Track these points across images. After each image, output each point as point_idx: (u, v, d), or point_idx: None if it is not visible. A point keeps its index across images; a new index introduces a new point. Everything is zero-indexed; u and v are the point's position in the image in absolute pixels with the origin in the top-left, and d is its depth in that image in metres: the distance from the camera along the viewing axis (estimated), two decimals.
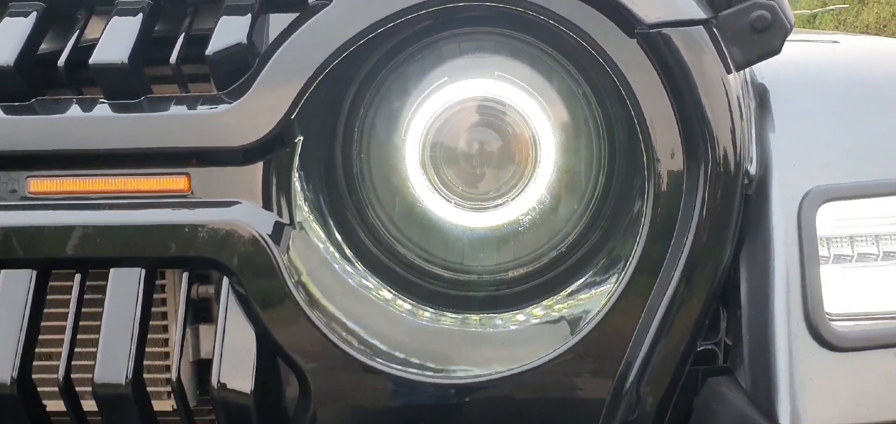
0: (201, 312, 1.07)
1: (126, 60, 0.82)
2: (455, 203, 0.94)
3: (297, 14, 0.84)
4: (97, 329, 0.85)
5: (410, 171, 0.93)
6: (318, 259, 0.91)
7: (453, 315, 0.97)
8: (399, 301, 0.96)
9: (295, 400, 0.90)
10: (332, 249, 0.94)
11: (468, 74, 0.92)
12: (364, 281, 0.96)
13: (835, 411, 0.82)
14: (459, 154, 0.93)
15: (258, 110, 0.82)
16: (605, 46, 0.82)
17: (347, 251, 0.96)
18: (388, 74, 0.95)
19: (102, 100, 0.85)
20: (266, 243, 0.84)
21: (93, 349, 0.85)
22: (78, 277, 0.87)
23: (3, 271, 0.85)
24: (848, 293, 0.84)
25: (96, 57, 0.82)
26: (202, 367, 1.06)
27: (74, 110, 0.84)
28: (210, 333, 1.00)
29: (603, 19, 0.81)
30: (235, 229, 0.84)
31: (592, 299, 0.92)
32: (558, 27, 0.83)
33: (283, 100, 0.82)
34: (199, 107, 0.83)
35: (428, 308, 0.97)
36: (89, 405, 0.86)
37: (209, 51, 0.82)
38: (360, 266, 0.96)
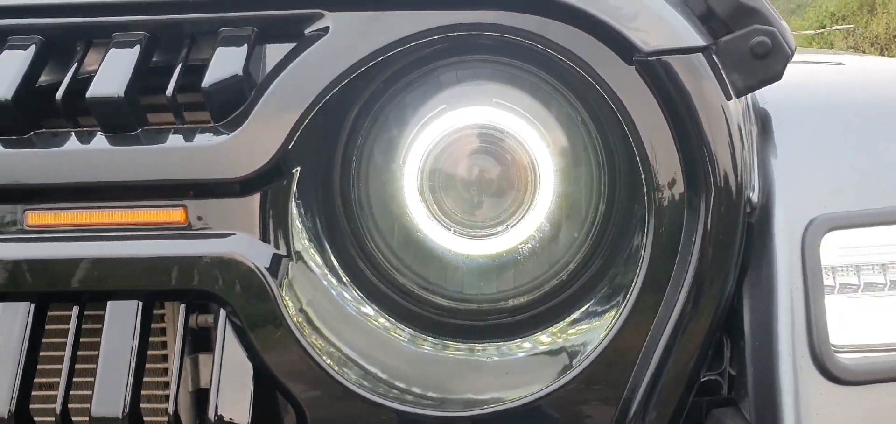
0: (201, 341, 1.06)
1: (122, 94, 0.82)
2: (454, 231, 0.93)
3: (294, 44, 0.84)
4: (95, 361, 0.84)
5: (409, 198, 0.93)
6: (316, 290, 0.90)
7: (454, 344, 0.95)
8: (398, 330, 0.95)
9: None
10: (330, 278, 0.94)
11: (466, 102, 0.92)
12: (363, 310, 0.95)
13: None
14: (458, 182, 0.92)
15: (255, 142, 0.82)
16: (603, 74, 0.81)
17: (346, 280, 0.95)
18: (385, 103, 0.94)
19: (100, 132, 0.85)
20: (263, 275, 0.83)
21: (91, 379, 0.84)
22: (76, 309, 0.87)
23: (1, 303, 0.85)
24: (854, 325, 0.82)
25: (93, 91, 0.82)
26: (202, 396, 1.05)
27: (72, 143, 0.84)
28: (210, 362, 0.99)
29: (601, 47, 0.80)
30: (232, 262, 0.83)
31: (595, 327, 0.90)
32: (556, 55, 0.82)
33: (280, 131, 0.82)
34: (196, 139, 0.83)
35: (428, 337, 0.96)
36: None
37: (205, 83, 0.82)
38: (358, 295, 0.95)
